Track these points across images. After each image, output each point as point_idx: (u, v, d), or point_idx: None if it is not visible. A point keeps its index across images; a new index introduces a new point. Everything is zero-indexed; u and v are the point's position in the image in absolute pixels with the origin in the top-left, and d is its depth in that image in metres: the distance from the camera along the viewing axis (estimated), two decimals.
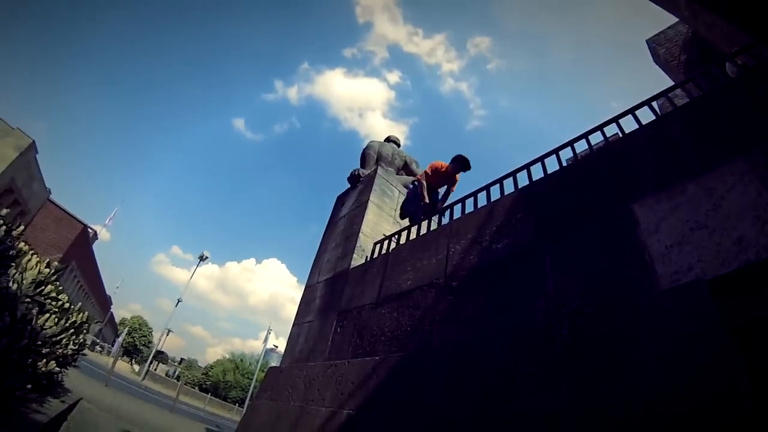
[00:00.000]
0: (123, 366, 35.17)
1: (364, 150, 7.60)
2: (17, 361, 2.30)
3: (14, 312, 2.20)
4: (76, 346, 3.92)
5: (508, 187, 3.89)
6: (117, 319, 63.73)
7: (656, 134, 2.77)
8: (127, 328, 48.21)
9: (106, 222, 44.74)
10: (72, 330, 3.67)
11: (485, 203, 3.90)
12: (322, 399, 3.98)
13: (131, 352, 54.66)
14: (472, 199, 4.22)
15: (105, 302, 47.57)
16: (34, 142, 16.27)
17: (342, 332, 4.56)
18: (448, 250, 3.66)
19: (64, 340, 3.45)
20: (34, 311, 2.60)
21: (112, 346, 39.65)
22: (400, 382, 3.22)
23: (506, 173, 4.05)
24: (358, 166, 7.31)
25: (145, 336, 58.42)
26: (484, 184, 4.20)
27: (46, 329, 2.68)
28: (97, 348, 36.07)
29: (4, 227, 1.99)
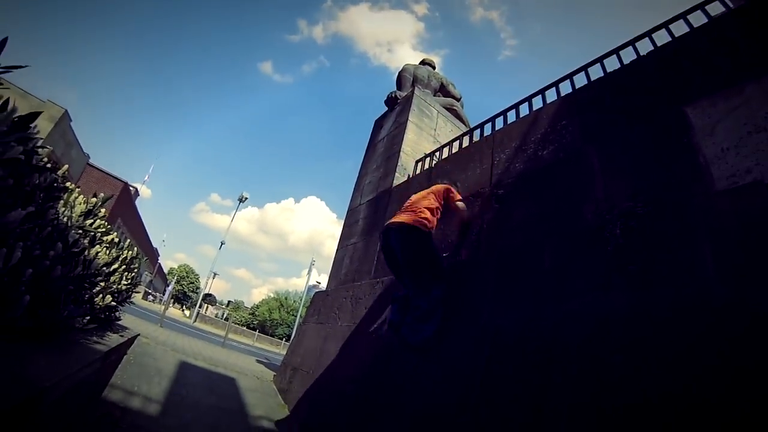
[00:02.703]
0: (175, 312, 38.04)
1: (400, 73, 7.64)
2: (74, 291, 2.42)
3: (66, 241, 2.28)
4: (129, 282, 4.10)
5: (551, 98, 3.90)
6: (165, 270, 67.91)
7: (711, 35, 2.67)
8: (175, 277, 51.22)
9: (145, 179, 46.50)
10: (123, 266, 3.83)
11: (527, 114, 3.93)
12: (370, 316, 4.30)
13: (181, 299, 58.59)
14: (513, 111, 4.27)
15: (153, 255, 50.80)
16: (66, 111, 16.93)
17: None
18: (492, 160, 3.80)
19: (116, 275, 3.59)
20: (86, 242, 2.70)
21: (164, 295, 42.31)
22: (441, 293, 3.38)
23: (549, 83, 4.05)
24: (395, 90, 7.37)
25: (192, 283, 62.49)
26: (525, 96, 4.23)
27: (98, 260, 2.77)
28: (150, 297, 38.74)
29: (49, 165, 2.15)
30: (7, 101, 1.57)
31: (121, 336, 3.81)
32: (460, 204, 3.66)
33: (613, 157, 2.79)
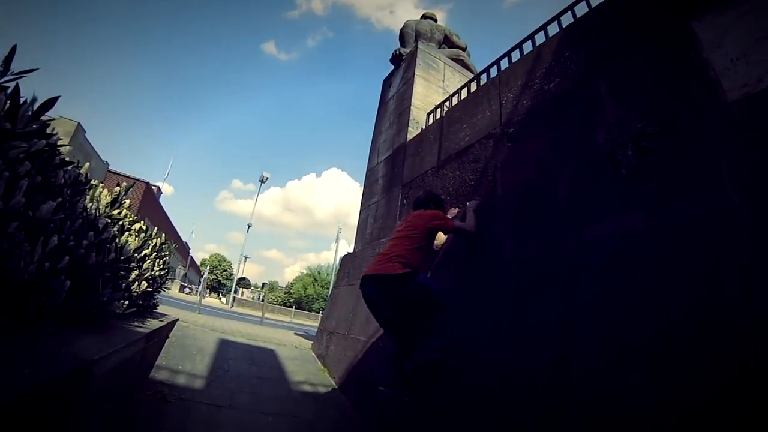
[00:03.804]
0: (212, 300, 39.32)
1: (401, 30, 7.72)
2: (111, 278, 2.54)
3: (97, 229, 2.39)
4: (161, 267, 4.22)
5: (553, 32, 3.82)
6: (197, 261, 69.81)
7: None
8: (208, 267, 52.61)
9: (165, 176, 47.46)
10: (154, 253, 3.96)
11: (531, 50, 3.90)
12: None
13: (216, 287, 60.38)
14: (517, 50, 4.24)
15: (183, 249, 52.25)
16: (79, 124, 17.38)
17: (408, 202, 4.99)
18: (500, 100, 3.81)
19: (148, 261, 3.70)
20: (115, 230, 2.83)
21: (198, 285, 43.61)
22: (462, 236, 3.52)
23: (549, 18, 3.98)
24: (398, 47, 7.46)
25: (225, 270, 64.44)
26: (527, 34, 4.18)
27: (129, 245, 2.90)
28: (186, 290, 39.98)
29: (72, 165, 2.24)
30: (22, 100, 1.64)
31: (161, 321, 4.00)
32: (457, 224, 3.36)
33: (621, 81, 2.77)
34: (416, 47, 6.77)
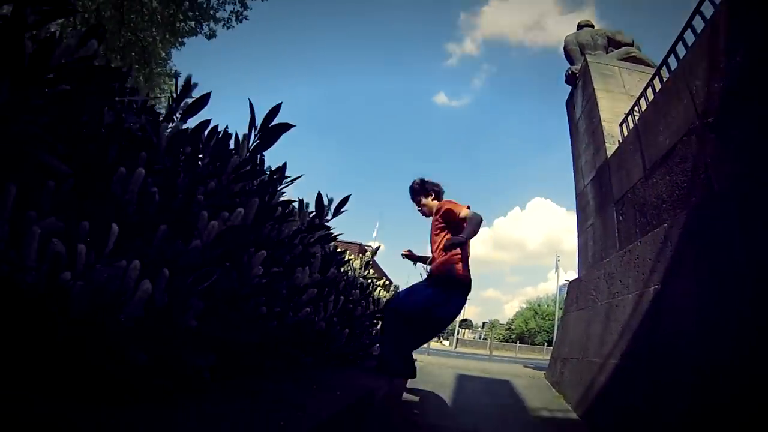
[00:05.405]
0: (432, 344, 41.27)
1: (564, 48, 7.85)
2: (368, 326, 3.26)
3: (361, 288, 3.17)
4: None
5: None
6: None
7: None
8: None
9: (374, 235, 53.24)
10: None
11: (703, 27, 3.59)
12: (625, 287, 4.28)
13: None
14: (688, 30, 3.89)
15: None
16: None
17: (624, 219, 4.82)
18: (689, 91, 3.53)
19: None
20: (369, 287, 3.58)
21: None
22: (688, 240, 3.33)
23: None
24: (568, 66, 7.56)
25: None
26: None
27: (381, 297, 3.64)
28: None
29: (333, 243, 3.04)
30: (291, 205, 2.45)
31: None
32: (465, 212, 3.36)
33: None
34: (585, 62, 6.73)
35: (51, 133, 0.99)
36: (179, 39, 11.99)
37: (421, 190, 3.65)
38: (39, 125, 0.96)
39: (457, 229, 3.34)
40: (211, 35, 11.95)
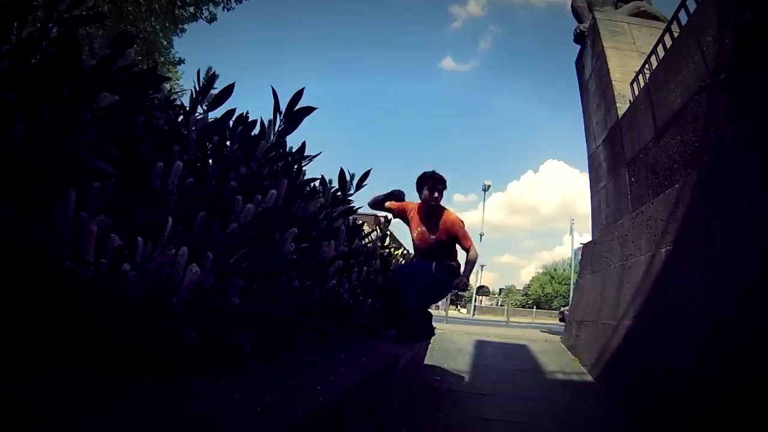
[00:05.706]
0: (451, 312, 41.84)
1: (571, 6, 7.66)
2: None
3: (382, 258, 3.45)
4: None
5: None
6: None
7: None
8: None
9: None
10: None
11: None
12: (638, 249, 4.35)
13: (453, 300, 63.47)
14: None
15: None
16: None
17: (636, 180, 4.85)
18: (700, 48, 3.50)
19: None
20: (389, 258, 3.91)
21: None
22: (701, 201, 3.35)
23: None
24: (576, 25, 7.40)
25: None
26: None
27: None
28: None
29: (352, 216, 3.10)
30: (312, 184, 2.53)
31: None
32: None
33: None
34: (594, 19, 6.54)
35: (101, 138, 1.09)
36: (180, 26, 12.00)
37: (444, 187, 3.81)
38: (91, 132, 1.06)
39: (450, 244, 3.80)
40: (212, 19, 11.93)
